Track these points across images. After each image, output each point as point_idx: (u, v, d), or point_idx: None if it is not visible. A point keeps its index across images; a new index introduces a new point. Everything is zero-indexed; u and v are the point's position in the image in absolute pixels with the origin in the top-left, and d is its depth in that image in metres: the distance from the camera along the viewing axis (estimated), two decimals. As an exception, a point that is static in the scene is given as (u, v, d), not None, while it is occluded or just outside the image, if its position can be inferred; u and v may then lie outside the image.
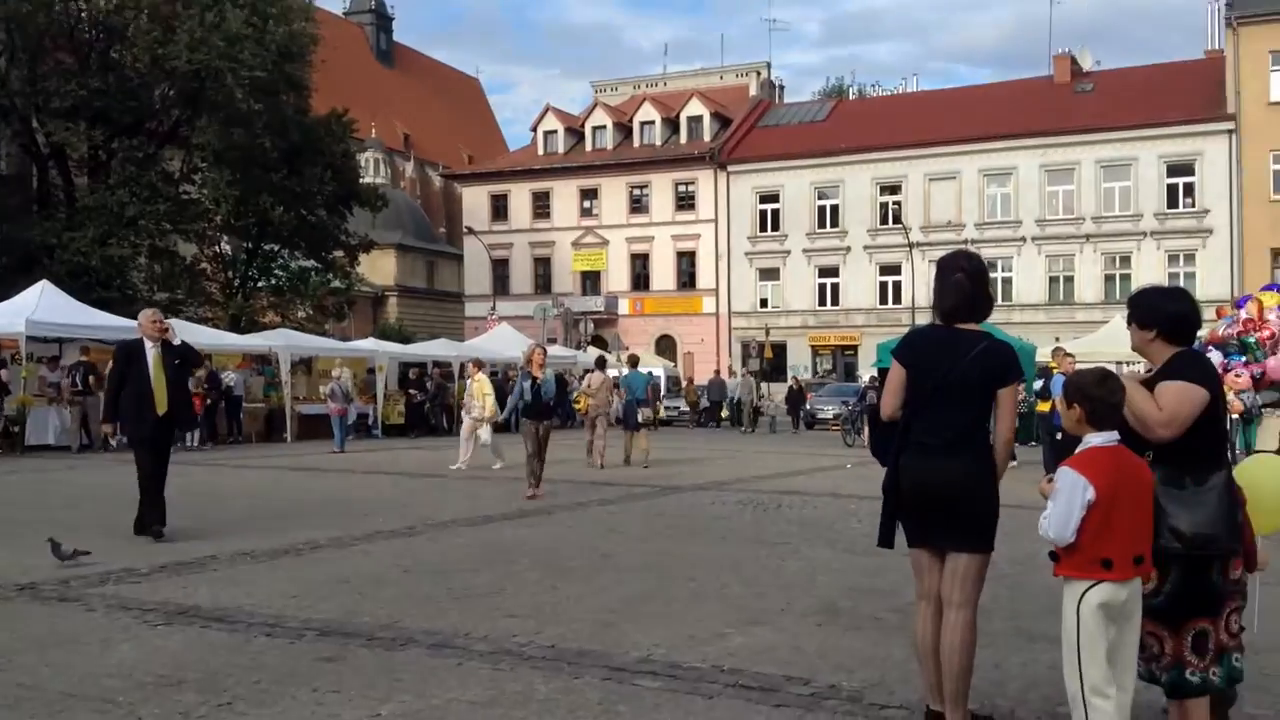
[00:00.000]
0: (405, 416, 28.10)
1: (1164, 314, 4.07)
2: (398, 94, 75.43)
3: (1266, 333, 14.67)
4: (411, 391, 28.40)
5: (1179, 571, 3.87)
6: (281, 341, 26.76)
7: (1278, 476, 4.46)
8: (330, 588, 7.29)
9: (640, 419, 18.77)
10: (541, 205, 51.81)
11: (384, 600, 6.86)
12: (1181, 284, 37.59)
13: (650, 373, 36.99)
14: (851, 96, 62.21)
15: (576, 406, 17.37)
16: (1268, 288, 15.11)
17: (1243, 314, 14.85)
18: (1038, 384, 17.49)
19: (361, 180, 42.93)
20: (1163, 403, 3.83)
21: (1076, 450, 3.86)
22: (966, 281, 4.37)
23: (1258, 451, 21.42)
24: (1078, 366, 13.42)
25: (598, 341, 45.50)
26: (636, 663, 5.41)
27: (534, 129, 53.71)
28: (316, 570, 8.00)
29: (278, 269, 37.44)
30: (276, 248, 37.06)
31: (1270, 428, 22.97)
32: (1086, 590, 3.71)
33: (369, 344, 30.66)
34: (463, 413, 18.87)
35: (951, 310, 4.40)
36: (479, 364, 18.94)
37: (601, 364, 19.75)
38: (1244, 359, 15.41)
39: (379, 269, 55.73)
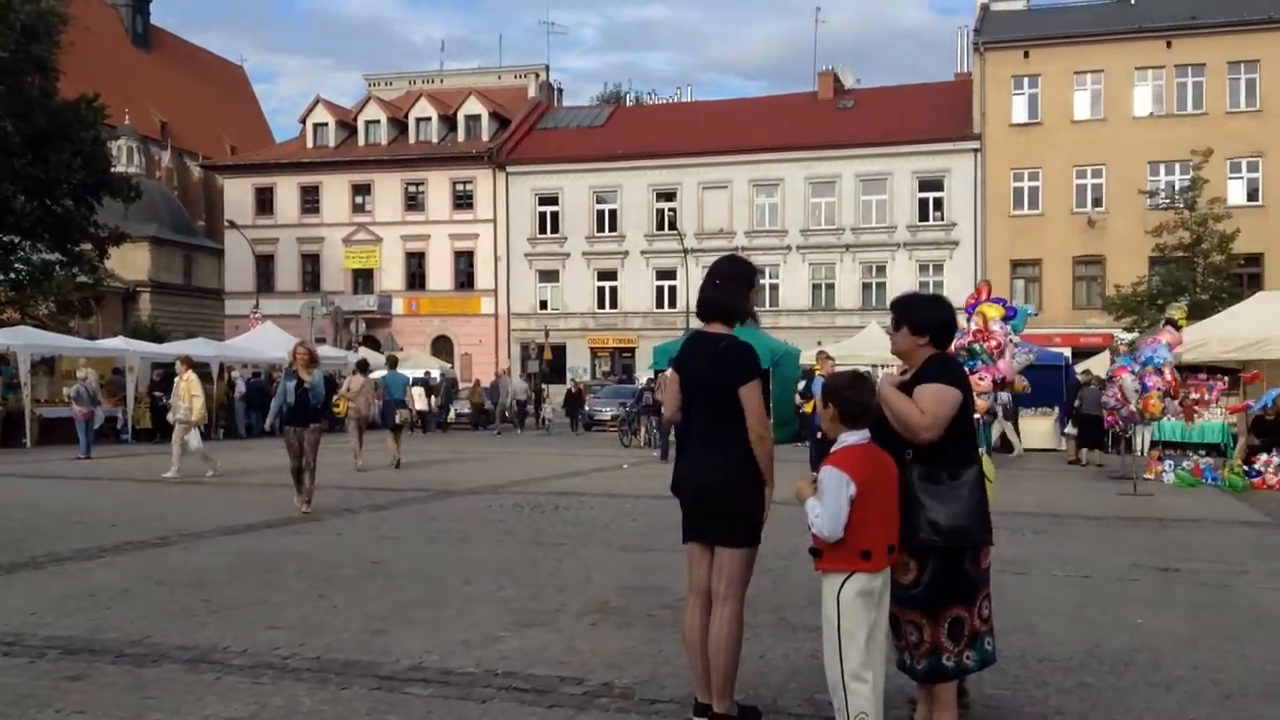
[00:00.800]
0: (154, 420, 26.44)
1: (939, 321, 4.31)
2: (155, 80, 71.12)
3: (993, 342, 15.91)
4: (157, 394, 26.66)
5: (936, 562, 4.11)
6: (20, 340, 24.81)
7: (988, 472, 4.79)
8: (74, 603, 6.79)
9: (398, 419, 18.78)
10: (310, 200, 50.06)
11: (134, 615, 6.44)
12: (931, 292, 40.12)
13: (431, 373, 36.70)
14: (629, 103, 63.22)
15: (336, 410, 16.82)
16: (994, 300, 16.41)
17: (971, 325, 16.01)
18: (802, 384, 18.34)
19: (113, 169, 40.23)
20: (923, 406, 4.06)
21: (833, 449, 4.08)
22: (709, 284, 4.57)
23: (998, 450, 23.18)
24: (837, 368, 14.12)
25: (370, 342, 44.36)
26: (407, 671, 5.29)
27: (303, 121, 51.81)
28: (58, 584, 7.44)
29: (17, 262, 34.58)
30: (17, 239, 34.25)
31: (991, 427, 24.82)
32: (845, 580, 3.90)
33: (118, 343, 28.77)
34: (169, 416, 17.57)
35: (699, 313, 4.61)
36: (187, 362, 17.27)
37: (363, 367, 19.39)
38: (980, 363, 16.64)
39: (131, 263, 52.33)
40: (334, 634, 6.04)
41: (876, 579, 3.93)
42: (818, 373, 17.91)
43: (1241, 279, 33.75)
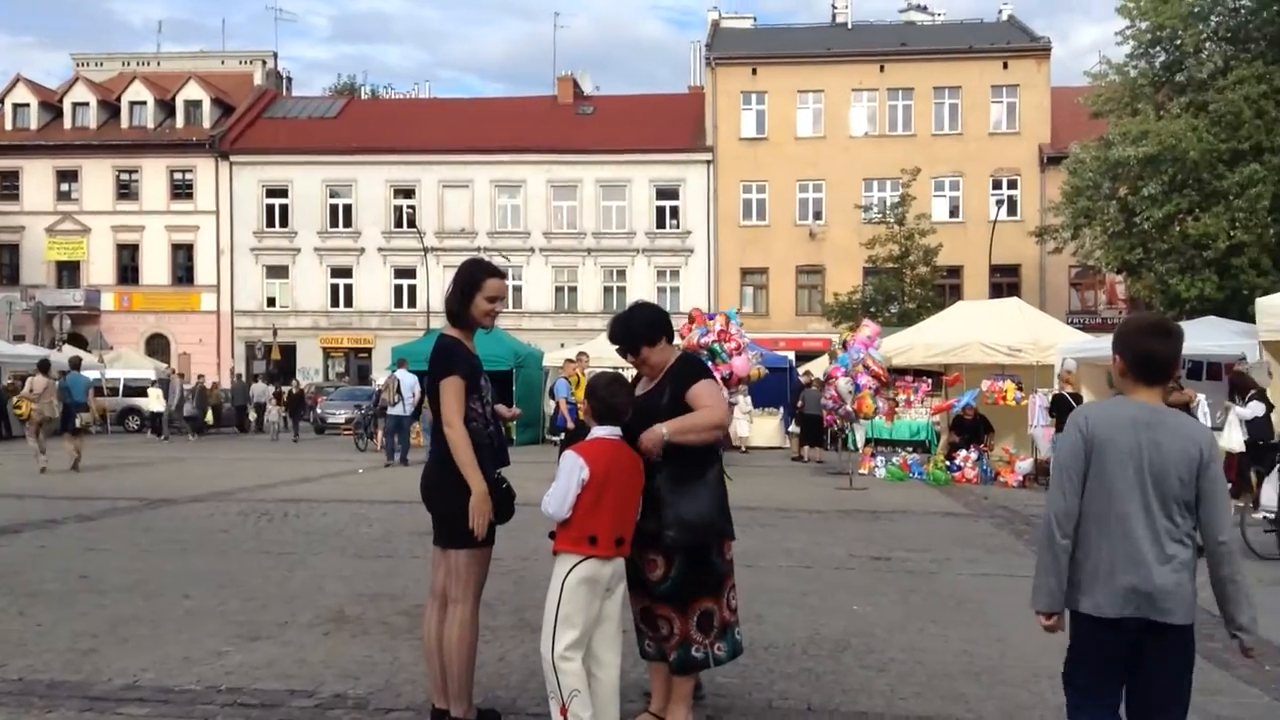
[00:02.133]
0: None
1: (661, 317, 4.54)
2: None
3: (732, 344, 16.82)
4: None
5: (683, 557, 4.24)
6: None
7: None
8: None
9: (78, 423, 18.18)
10: (9, 186, 45.76)
11: None
12: (668, 297, 41.45)
13: (133, 374, 34.20)
14: (364, 96, 61.51)
15: (18, 412, 15.59)
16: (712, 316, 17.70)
17: (716, 325, 16.92)
18: (552, 385, 18.56)
19: None
20: (706, 402, 4.22)
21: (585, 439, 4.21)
22: (450, 286, 4.55)
23: (729, 448, 24.12)
24: (590, 370, 14.40)
25: (75, 340, 40.96)
26: (121, 690, 4.93)
27: (0, 101, 47.26)
28: None
29: None
30: None
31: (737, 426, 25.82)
32: (575, 565, 4.00)
33: None
34: None
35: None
36: None
37: (44, 367, 18.33)
38: (713, 363, 17.55)
39: None
40: (38, 654, 5.55)
41: (606, 568, 4.04)
42: (563, 375, 18.13)
43: (944, 289, 36.64)
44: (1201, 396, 16.07)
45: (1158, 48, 26.07)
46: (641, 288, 41.86)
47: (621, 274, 43.16)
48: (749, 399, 25.06)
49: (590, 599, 4.01)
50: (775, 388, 26.67)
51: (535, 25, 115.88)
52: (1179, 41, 25.09)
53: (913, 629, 6.51)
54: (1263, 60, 23.83)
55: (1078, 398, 15.01)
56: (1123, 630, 3.14)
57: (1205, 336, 17.94)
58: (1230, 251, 23.20)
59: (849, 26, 45.00)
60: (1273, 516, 9.70)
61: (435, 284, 40.38)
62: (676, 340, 4.80)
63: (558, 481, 4.04)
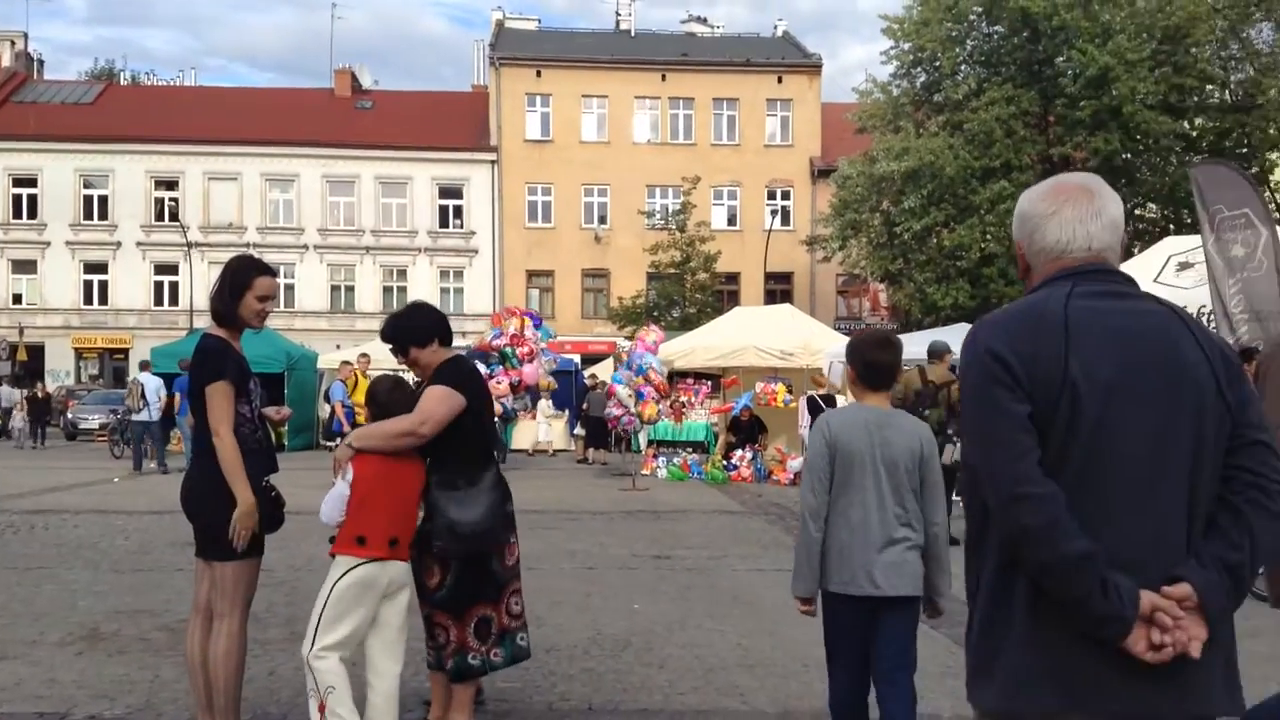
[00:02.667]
0: None
1: (435, 321, 4.46)
2: None
3: (526, 349, 16.85)
4: None
5: (459, 565, 4.18)
6: None
7: None
8: None
9: None
10: None
11: None
12: (452, 298, 40.92)
13: None
14: (124, 82, 57.86)
15: None
16: (525, 313, 17.62)
17: (511, 329, 16.90)
18: (326, 388, 17.94)
19: None
20: (421, 405, 4.15)
21: None
22: (215, 285, 4.39)
23: (516, 450, 24.07)
24: (372, 372, 13.98)
25: None
26: None
27: None
28: None
29: None
30: None
31: (526, 428, 25.84)
32: (349, 569, 3.93)
33: None
34: None
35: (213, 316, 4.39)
36: None
37: None
38: (502, 367, 17.51)
39: None
40: None
41: (382, 573, 3.98)
42: (339, 377, 17.52)
43: (723, 295, 37.74)
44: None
45: (919, 68, 27.74)
46: (423, 288, 41.15)
47: (402, 274, 42.28)
48: (550, 403, 25.13)
49: (360, 602, 3.94)
50: (561, 390, 26.77)
51: (310, 15, 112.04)
52: (938, 63, 26.78)
53: (691, 625, 6.65)
54: (1012, 84, 25.72)
55: (829, 399, 15.69)
56: (862, 604, 3.66)
57: (958, 342, 19.16)
58: (982, 262, 24.92)
59: (632, 34, 45.68)
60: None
61: (200, 281, 38.38)
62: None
63: (332, 489, 3.99)
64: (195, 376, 4.17)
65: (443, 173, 42.04)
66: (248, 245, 38.54)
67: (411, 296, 41.17)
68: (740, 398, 19.27)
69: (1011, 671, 2.07)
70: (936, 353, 10.58)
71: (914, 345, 18.95)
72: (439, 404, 4.14)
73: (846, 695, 3.81)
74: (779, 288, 39.41)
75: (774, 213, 39.91)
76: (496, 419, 19.20)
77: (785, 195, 41.79)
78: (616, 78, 41.70)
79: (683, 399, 19.70)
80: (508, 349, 16.93)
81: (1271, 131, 26.21)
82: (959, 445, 9.74)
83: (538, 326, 18.35)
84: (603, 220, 41.71)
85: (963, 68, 27.14)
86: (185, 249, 40.16)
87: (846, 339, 22.30)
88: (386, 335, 4.47)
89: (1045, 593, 2.02)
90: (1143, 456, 2.03)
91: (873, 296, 36.84)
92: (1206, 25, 25.57)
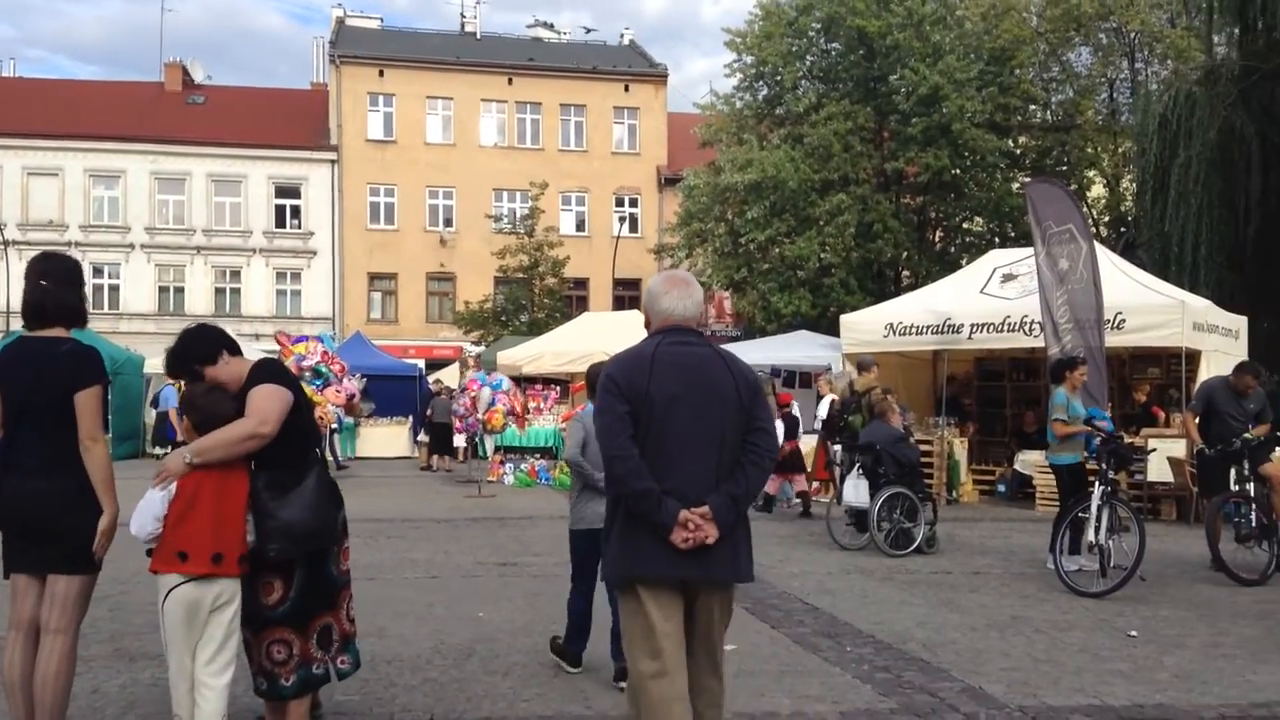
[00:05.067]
0: None
1: (216, 336, 4.29)
2: None
3: (337, 365, 16.70)
4: None
5: (301, 573, 4.07)
6: None
7: None
8: None
9: None
10: None
11: None
12: (289, 301, 39.74)
13: None
14: (-67, 67, 54.13)
15: None
16: (295, 341, 17.35)
17: (322, 347, 16.73)
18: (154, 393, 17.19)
19: None
20: (254, 406, 3.99)
21: None
22: (36, 285, 4.19)
23: (357, 458, 23.54)
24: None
25: None
26: None
27: None
28: None
29: None
30: None
31: (367, 436, 25.38)
32: (172, 588, 3.82)
33: None
34: None
35: (31, 315, 4.19)
36: None
37: None
38: (319, 384, 17.25)
39: None
40: None
41: (207, 590, 3.84)
42: (168, 382, 16.82)
43: (572, 300, 37.78)
44: (794, 401, 17.62)
45: (761, 82, 28.34)
46: (259, 290, 39.89)
47: (236, 275, 40.81)
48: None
49: (189, 621, 3.80)
50: (404, 396, 26.32)
51: (139, 6, 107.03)
52: (779, 78, 27.42)
53: (537, 632, 6.62)
54: (849, 99, 26.55)
55: None
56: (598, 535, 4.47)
57: (798, 348, 19.74)
58: (822, 272, 25.63)
59: (478, 37, 45.31)
60: (854, 511, 10.78)
61: (17, 282, 36.16)
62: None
63: (142, 501, 3.83)
64: (67, 382, 3.97)
65: (279, 171, 40.79)
66: (69, 244, 36.60)
67: (246, 298, 39.92)
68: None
69: (616, 554, 3.67)
70: (865, 365, 12.40)
71: (758, 351, 19.43)
72: (271, 401, 4.01)
73: (586, 604, 5.68)
74: (628, 294, 39.69)
75: (622, 219, 40.19)
76: (333, 429, 18.92)
77: (633, 203, 42.15)
78: (462, 80, 41.28)
79: (530, 404, 19.62)
80: (320, 366, 16.58)
81: (1089, 150, 27.79)
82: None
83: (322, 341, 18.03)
84: (448, 223, 41.21)
85: (803, 82, 27.86)
86: (1, 247, 37.82)
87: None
88: (171, 368, 4.31)
89: (631, 510, 3.59)
90: (690, 436, 3.60)
91: (718, 304, 37.48)
92: (1030, 48, 26.95)
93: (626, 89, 42.46)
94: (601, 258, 38.72)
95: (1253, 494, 9.25)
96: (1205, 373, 12.77)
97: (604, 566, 3.79)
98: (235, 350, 4.27)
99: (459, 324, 35.75)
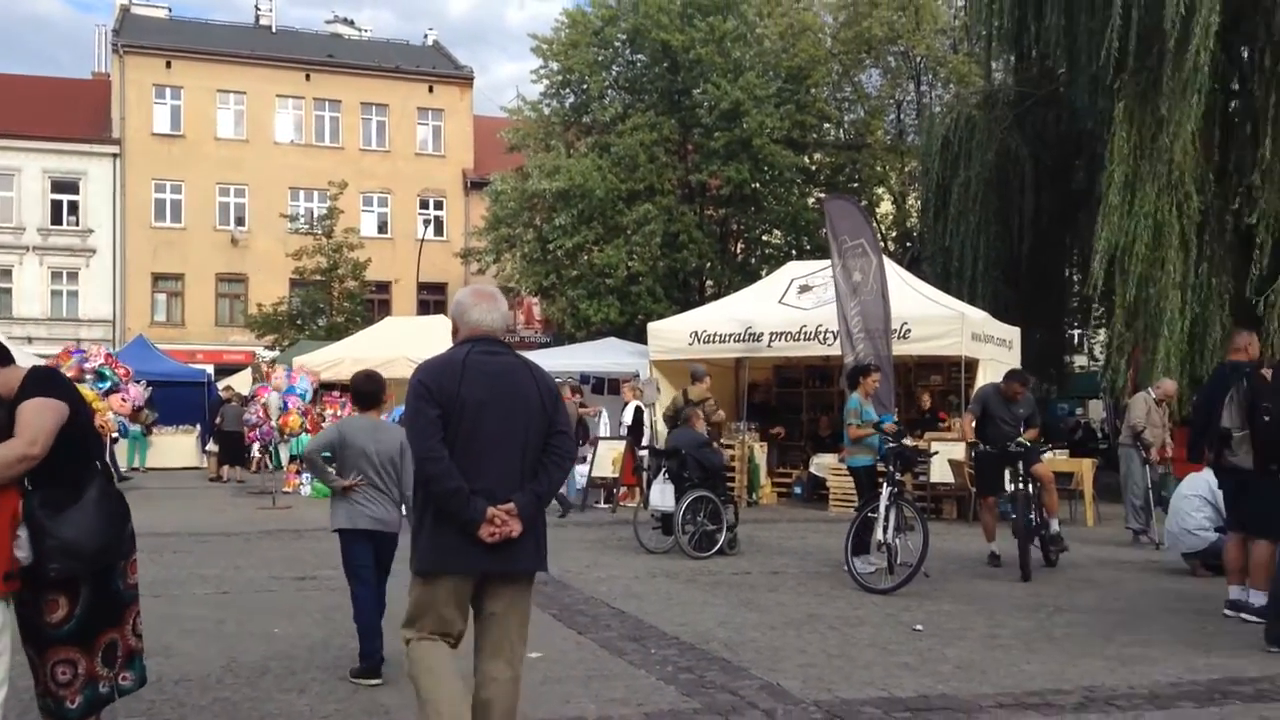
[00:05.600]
0: None
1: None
2: None
3: (122, 370, 15.88)
4: None
5: (88, 589, 3.85)
6: None
7: None
8: None
9: None
10: None
11: None
12: (65, 302, 37.25)
13: None
14: None
15: None
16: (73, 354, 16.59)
17: (103, 350, 15.99)
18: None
19: None
20: (22, 424, 3.70)
21: None
22: None
23: (139, 469, 22.27)
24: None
25: None
26: None
27: None
28: None
29: None
30: None
31: (152, 445, 24.08)
32: None
33: None
34: None
35: None
36: None
37: None
38: (103, 387, 16.31)
39: None
40: None
41: None
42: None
43: (373, 304, 36.87)
44: (602, 409, 17.77)
45: (568, 90, 28.46)
46: (32, 291, 37.23)
47: (7, 274, 37.91)
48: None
49: None
50: (191, 403, 25.05)
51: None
52: (586, 86, 27.60)
53: (335, 647, 6.43)
54: (655, 111, 26.97)
55: (638, 412, 15.97)
56: (370, 535, 6.04)
57: (606, 355, 19.92)
58: (629, 280, 25.92)
59: (273, 30, 43.71)
60: (659, 515, 10.94)
61: None
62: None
63: None
64: None
65: (56, 165, 38.21)
66: None
67: (17, 299, 37.19)
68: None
69: (425, 549, 3.88)
70: (698, 375, 12.82)
71: (567, 358, 19.48)
72: (42, 417, 3.72)
73: (376, 600, 5.97)
74: (433, 298, 39.07)
75: (426, 222, 39.52)
76: (114, 438, 17.85)
77: (438, 205, 41.52)
78: (256, 74, 39.71)
79: (326, 411, 19.00)
80: (104, 368, 15.64)
81: (878, 168, 29.15)
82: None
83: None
84: (240, 222, 39.53)
85: (610, 92, 28.12)
86: None
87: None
88: None
89: (440, 507, 3.80)
90: (498, 438, 3.87)
91: (526, 310, 37.40)
92: (824, 68, 28.06)
93: (431, 90, 41.83)
94: (405, 261, 37.97)
95: (1028, 493, 9.84)
96: (982, 380, 13.57)
97: (413, 559, 3.94)
98: (7, 358, 3.95)
99: (251, 328, 34.32)
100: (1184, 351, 15.17)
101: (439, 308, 36.31)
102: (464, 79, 42.70)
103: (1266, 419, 6.62)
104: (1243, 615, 7.45)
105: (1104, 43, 15.55)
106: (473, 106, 42.50)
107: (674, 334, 17.18)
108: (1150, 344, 15.35)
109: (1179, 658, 6.40)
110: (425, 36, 46.29)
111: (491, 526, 3.76)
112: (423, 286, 37.92)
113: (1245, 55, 17.48)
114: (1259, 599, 7.24)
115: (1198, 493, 9.40)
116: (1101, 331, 20.41)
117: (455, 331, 4.08)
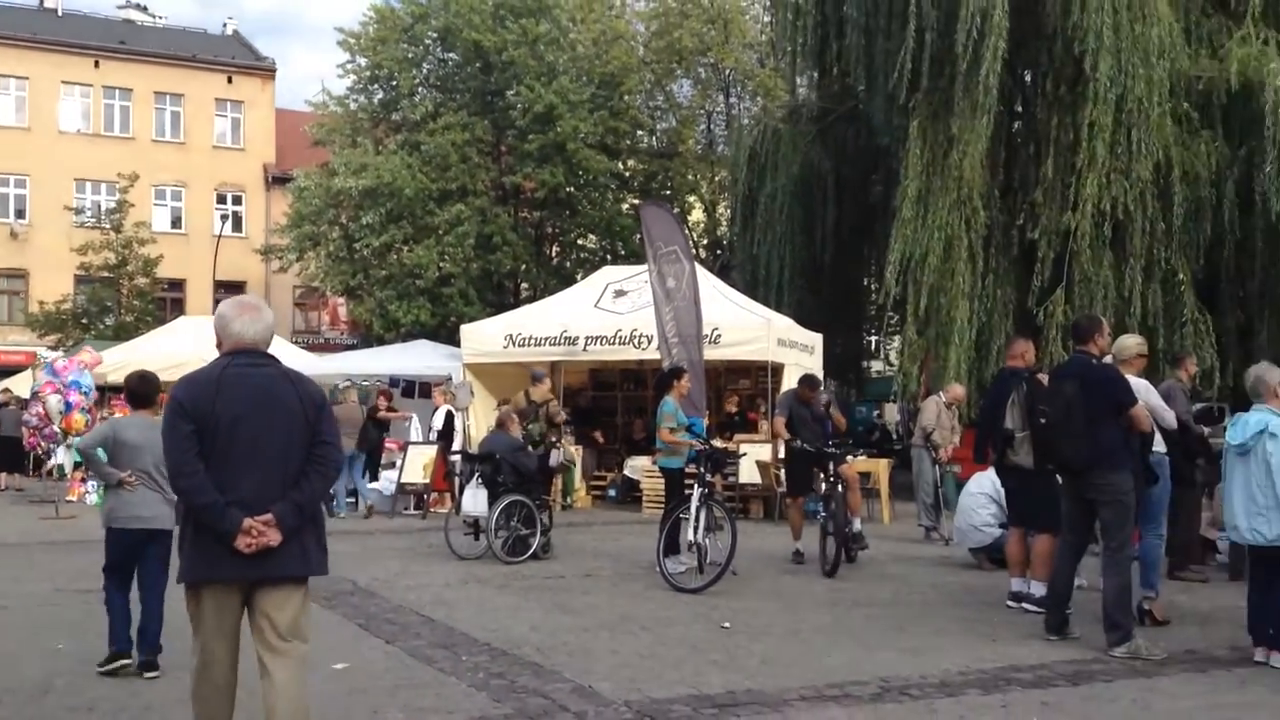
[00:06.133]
0: None
1: None
2: None
3: None
4: None
5: None
6: None
7: None
8: None
9: None
10: None
11: None
12: None
13: None
14: None
15: None
16: None
17: None
18: None
19: None
20: None
21: None
22: None
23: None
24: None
25: None
26: None
27: None
28: None
29: None
30: None
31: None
32: None
33: None
34: None
35: None
36: None
37: None
38: None
39: None
40: None
41: None
42: None
43: (166, 303, 35.07)
44: (413, 413, 17.48)
45: (376, 85, 27.85)
46: None
47: None
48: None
49: None
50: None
51: None
52: (395, 83, 27.06)
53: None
54: (467, 111, 26.69)
55: (449, 416, 15.69)
56: (137, 534, 6.24)
57: (418, 358, 19.59)
58: (441, 282, 25.54)
59: (59, 14, 41.05)
60: (471, 520, 10.83)
61: None
62: None
63: None
64: None
65: None
66: None
67: None
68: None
69: (188, 558, 3.99)
70: (538, 377, 12.90)
71: (376, 360, 19.01)
72: None
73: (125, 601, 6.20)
74: (230, 296, 37.44)
75: (224, 218, 37.85)
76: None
77: (237, 200, 39.86)
78: (39, 59, 37.19)
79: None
80: None
81: (690, 177, 29.73)
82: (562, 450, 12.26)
83: None
84: (20, 214, 36.90)
85: (420, 90, 27.65)
86: None
87: (305, 353, 21.99)
88: None
89: (200, 519, 3.92)
90: (258, 449, 3.97)
91: (332, 310, 36.36)
92: (637, 76, 28.42)
93: (230, 80, 40.13)
94: (201, 258, 36.27)
95: (838, 493, 10.20)
96: (787, 384, 14.03)
97: (179, 570, 4.06)
98: None
99: (32, 327, 32.12)
100: (972, 358, 16.09)
101: (238, 307, 34.76)
102: (265, 70, 41.17)
103: (1044, 421, 7.08)
104: (1024, 606, 7.96)
105: (899, 64, 16.34)
106: (275, 99, 41.04)
107: (488, 337, 17.04)
108: (941, 350, 16.20)
109: (967, 648, 6.78)
110: (225, 26, 44.45)
111: (248, 538, 3.87)
112: (220, 285, 36.24)
113: (1029, 80, 18.72)
114: (1039, 590, 7.74)
115: (983, 491, 9.99)
116: (897, 338, 21.37)
117: (219, 344, 4.21)
